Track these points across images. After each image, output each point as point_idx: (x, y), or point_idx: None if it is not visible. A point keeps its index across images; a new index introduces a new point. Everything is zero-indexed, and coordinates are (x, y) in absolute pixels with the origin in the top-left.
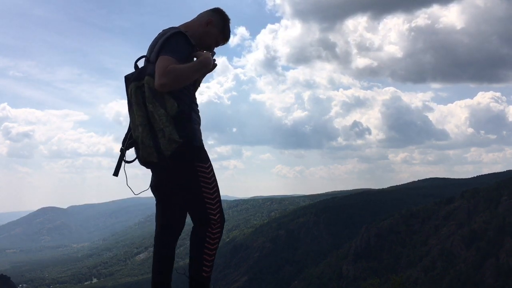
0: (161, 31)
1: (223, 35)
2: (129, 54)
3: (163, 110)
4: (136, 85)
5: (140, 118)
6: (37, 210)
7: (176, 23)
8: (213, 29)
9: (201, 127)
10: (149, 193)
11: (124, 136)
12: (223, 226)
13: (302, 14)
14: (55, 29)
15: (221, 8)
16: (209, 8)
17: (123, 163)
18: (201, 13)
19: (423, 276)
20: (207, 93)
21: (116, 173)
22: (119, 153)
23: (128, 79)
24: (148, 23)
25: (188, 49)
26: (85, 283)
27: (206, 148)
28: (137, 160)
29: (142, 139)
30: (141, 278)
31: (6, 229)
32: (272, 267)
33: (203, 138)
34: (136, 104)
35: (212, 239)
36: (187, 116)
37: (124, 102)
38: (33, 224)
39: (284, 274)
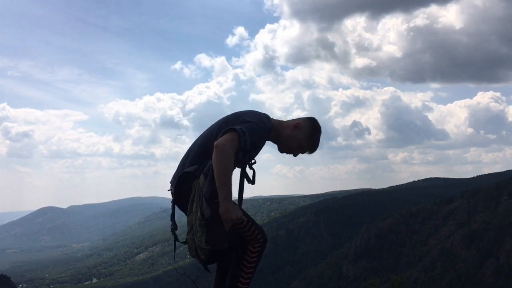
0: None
1: (309, 143)
2: (129, 54)
3: (200, 213)
4: (196, 182)
5: (188, 217)
6: (37, 210)
7: (176, 23)
8: (299, 134)
9: (201, 127)
10: (150, 194)
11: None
12: (265, 243)
13: (300, 14)
14: (55, 29)
15: (316, 118)
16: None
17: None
18: (296, 118)
19: (423, 276)
20: (207, 93)
21: (174, 257)
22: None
23: (190, 173)
24: (148, 23)
25: (261, 142)
26: (85, 283)
27: None
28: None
29: (187, 239)
30: (141, 278)
31: (6, 229)
32: (272, 267)
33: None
34: (190, 201)
35: (252, 252)
36: (220, 222)
37: (124, 102)
38: (33, 224)
39: (284, 274)
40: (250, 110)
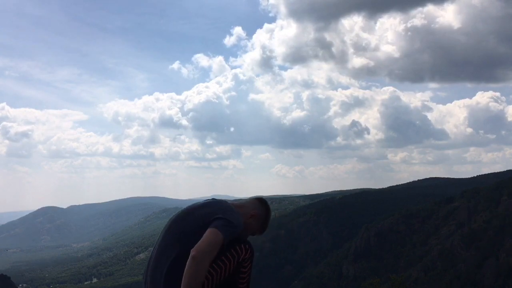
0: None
1: (262, 228)
2: (128, 54)
3: None
4: None
5: None
6: (37, 210)
7: (175, 23)
8: (254, 222)
9: (201, 127)
10: (150, 194)
11: None
12: (252, 257)
13: (296, 13)
14: (55, 29)
15: (266, 199)
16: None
17: None
18: (249, 200)
19: (423, 276)
20: (205, 93)
21: None
22: None
23: None
24: (148, 23)
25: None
26: (85, 283)
27: (205, 148)
28: None
29: None
30: (141, 278)
31: (6, 229)
32: (272, 267)
33: (202, 138)
34: None
35: (244, 272)
36: None
37: (123, 102)
38: (33, 224)
39: (284, 274)
40: (221, 204)
